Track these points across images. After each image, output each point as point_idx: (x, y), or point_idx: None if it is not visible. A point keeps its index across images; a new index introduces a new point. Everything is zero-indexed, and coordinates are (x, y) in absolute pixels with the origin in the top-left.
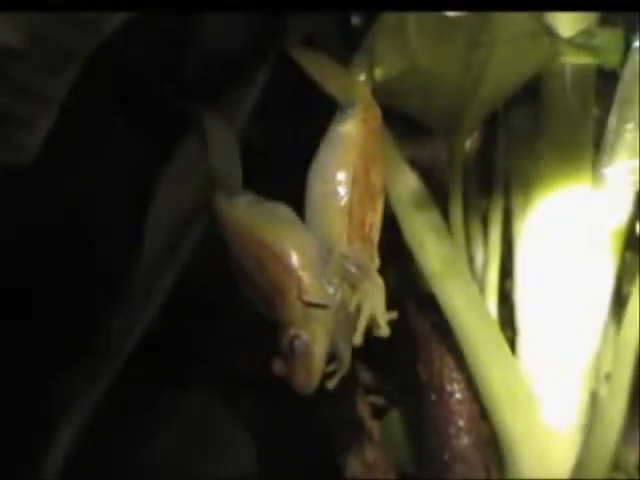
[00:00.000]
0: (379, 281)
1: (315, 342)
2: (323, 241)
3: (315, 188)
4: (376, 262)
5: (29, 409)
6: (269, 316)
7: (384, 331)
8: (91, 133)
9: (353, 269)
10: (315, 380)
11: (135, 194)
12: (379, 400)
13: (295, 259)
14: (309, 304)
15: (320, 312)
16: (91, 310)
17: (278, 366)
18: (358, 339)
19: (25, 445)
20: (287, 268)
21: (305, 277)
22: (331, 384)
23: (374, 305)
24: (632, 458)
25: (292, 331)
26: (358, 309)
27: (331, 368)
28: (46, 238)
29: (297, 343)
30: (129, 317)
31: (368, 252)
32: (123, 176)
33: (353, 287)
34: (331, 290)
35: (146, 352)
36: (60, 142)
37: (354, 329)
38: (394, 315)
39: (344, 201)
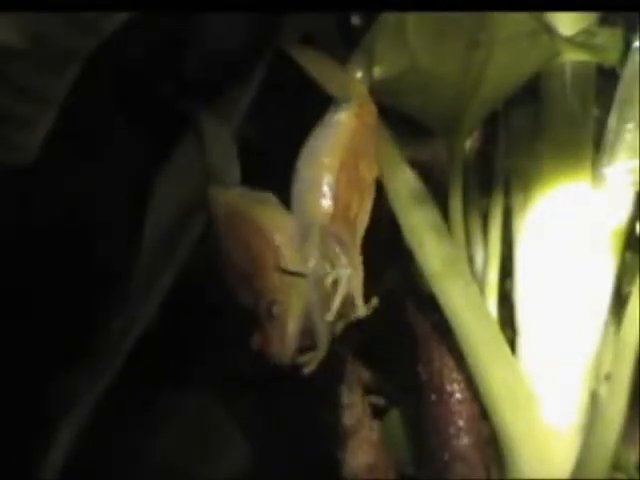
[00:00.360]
0: (358, 261)
1: (291, 308)
2: (306, 219)
3: (303, 170)
4: (358, 250)
5: (29, 409)
6: (251, 301)
7: (361, 310)
8: (91, 133)
9: (333, 243)
10: (290, 348)
11: (135, 194)
12: (379, 400)
13: (275, 233)
14: (287, 272)
15: (298, 281)
16: (91, 310)
17: (255, 340)
18: (331, 315)
19: (25, 445)
20: (268, 242)
21: (284, 248)
22: (309, 368)
23: (351, 282)
24: (632, 458)
25: (270, 297)
26: (335, 285)
27: (310, 355)
28: (46, 238)
29: (275, 309)
30: (128, 317)
31: (351, 235)
32: (123, 176)
33: (332, 263)
34: (311, 263)
35: (145, 352)
36: (60, 142)
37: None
38: (374, 302)
39: (331, 183)
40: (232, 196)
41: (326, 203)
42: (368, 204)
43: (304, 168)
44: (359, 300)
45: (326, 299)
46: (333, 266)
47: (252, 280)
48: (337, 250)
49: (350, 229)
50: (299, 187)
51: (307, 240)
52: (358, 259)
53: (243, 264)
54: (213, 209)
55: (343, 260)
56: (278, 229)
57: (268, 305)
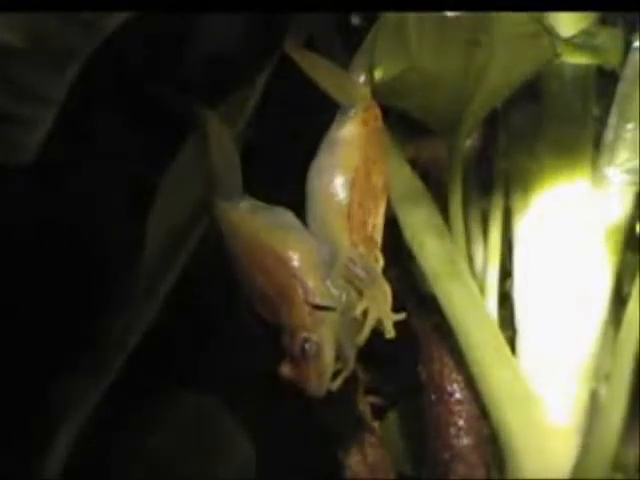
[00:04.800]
0: (385, 284)
1: (325, 344)
2: (327, 244)
3: (315, 191)
4: (380, 263)
5: (29, 409)
6: (275, 322)
7: (390, 333)
8: (91, 133)
9: (360, 273)
10: (326, 382)
11: (135, 194)
12: (379, 400)
13: (300, 263)
14: (316, 307)
15: (327, 314)
16: (92, 310)
17: (286, 370)
18: (361, 341)
19: (25, 445)
20: (293, 272)
21: (310, 280)
22: (334, 385)
23: (380, 309)
24: (632, 458)
25: (302, 335)
26: (364, 313)
27: (335, 369)
28: (46, 238)
29: (308, 346)
30: (130, 317)
31: (372, 254)
32: (123, 176)
33: (359, 291)
34: (337, 293)
35: (146, 352)
36: (60, 142)
37: (358, 331)
38: (401, 316)
39: (344, 204)
40: (241, 216)
41: (344, 226)
42: (382, 208)
43: (316, 189)
44: (388, 324)
45: (355, 325)
46: (360, 292)
47: (278, 311)
48: (363, 276)
49: (370, 246)
50: (314, 211)
51: (332, 271)
52: (384, 281)
53: (266, 291)
54: (220, 226)
55: (372, 289)
56: (299, 256)
57: (301, 343)
